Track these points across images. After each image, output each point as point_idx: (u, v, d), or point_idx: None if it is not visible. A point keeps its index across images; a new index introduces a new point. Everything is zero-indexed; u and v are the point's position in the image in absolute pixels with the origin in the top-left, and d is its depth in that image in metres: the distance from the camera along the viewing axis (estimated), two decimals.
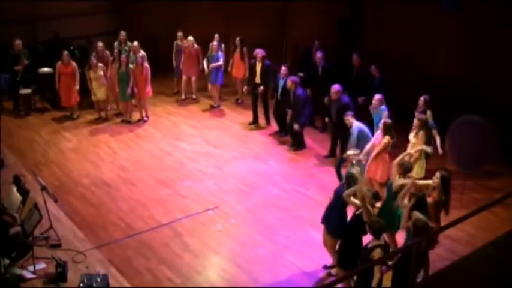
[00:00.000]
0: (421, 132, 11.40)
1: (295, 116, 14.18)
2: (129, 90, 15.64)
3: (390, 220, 9.55)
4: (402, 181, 9.50)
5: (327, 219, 9.60)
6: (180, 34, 17.47)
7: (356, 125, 12.30)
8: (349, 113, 12.44)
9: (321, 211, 11.56)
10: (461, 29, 14.77)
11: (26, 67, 16.48)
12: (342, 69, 15.06)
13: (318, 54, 15.23)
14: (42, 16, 17.96)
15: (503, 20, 13.98)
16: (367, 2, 17.29)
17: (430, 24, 15.45)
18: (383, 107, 12.47)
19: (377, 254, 7.98)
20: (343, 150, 13.74)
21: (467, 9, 14.18)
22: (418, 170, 11.34)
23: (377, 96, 12.58)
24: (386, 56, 15.48)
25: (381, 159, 11.40)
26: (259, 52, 15.66)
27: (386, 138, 11.28)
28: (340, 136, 13.67)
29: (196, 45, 17.17)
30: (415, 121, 11.56)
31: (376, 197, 8.90)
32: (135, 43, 16.38)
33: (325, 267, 9.87)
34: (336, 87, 13.40)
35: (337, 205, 9.37)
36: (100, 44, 16.44)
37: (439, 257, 9.52)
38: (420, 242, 7.77)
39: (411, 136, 11.57)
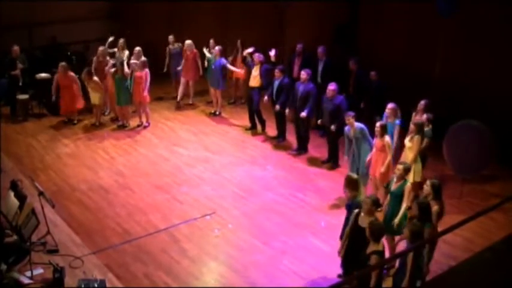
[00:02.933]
0: (416, 137, 11.41)
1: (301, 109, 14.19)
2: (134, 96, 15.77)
3: (390, 223, 9.58)
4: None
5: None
6: (171, 37, 17.62)
7: (357, 125, 12.10)
8: (351, 113, 12.17)
9: (318, 216, 11.70)
10: (458, 32, 14.80)
11: (23, 72, 16.49)
12: (340, 74, 15.11)
13: (320, 49, 15.46)
14: (39, 21, 17.98)
15: (500, 22, 14.01)
16: (364, 6, 17.33)
17: (427, 28, 15.48)
18: (397, 121, 12.23)
19: (374, 260, 7.99)
20: (334, 153, 13.81)
21: (464, 13, 14.20)
22: (414, 176, 11.35)
23: (390, 105, 12.33)
24: (383, 60, 15.54)
25: (382, 158, 11.40)
26: (258, 56, 15.70)
27: (387, 138, 11.30)
28: (333, 138, 13.77)
29: (194, 49, 17.21)
30: (411, 125, 11.60)
31: (376, 203, 8.86)
32: (137, 48, 16.40)
33: (339, 276, 9.71)
34: (332, 87, 13.39)
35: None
36: (101, 48, 16.46)
37: (436, 261, 9.51)
38: (416, 248, 7.77)
39: (406, 140, 11.59)
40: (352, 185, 9.32)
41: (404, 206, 9.65)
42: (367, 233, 8.21)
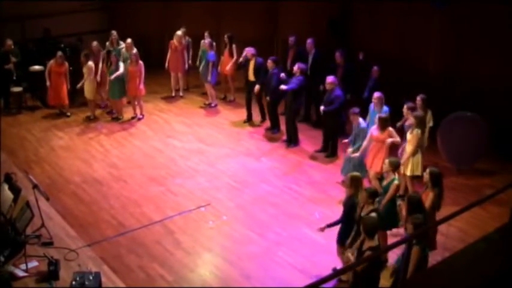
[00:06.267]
0: (416, 130, 11.37)
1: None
2: (127, 88, 15.74)
3: (387, 218, 9.61)
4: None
5: (341, 238, 9.40)
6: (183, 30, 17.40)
7: (362, 124, 12.08)
8: (356, 109, 12.10)
9: (312, 208, 11.71)
10: (451, 26, 14.81)
11: (16, 65, 16.42)
12: (331, 67, 15.07)
13: (309, 41, 15.50)
14: (32, 14, 17.88)
15: (493, 16, 14.02)
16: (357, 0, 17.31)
17: (420, 21, 15.48)
18: (385, 108, 12.29)
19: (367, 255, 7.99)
20: (334, 143, 13.82)
21: (457, 6, 14.22)
22: (414, 169, 11.37)
23: (376, 94, 12.36)
24: (377, 53, 15.52)
25: (380, 151, 11.40)
26: (248, 50, 15.68)
27: (387, 133, 11.29)
28: (328, 128, 13.87)
29: (183, 41, 17.17)
30: (411, 119, 11.51)
31: (372, 195, 8.85)
32: (128, 40, 16.34)
33: (335, 269, 9.70)
34: (330, 79, 13.45)
35: (347, 220, 9.29)
36: (95, 43, 16.38)
37: (431, 252, 9.52)
38: (412, 239, 7.78)
39: (408, 134, 11.53)
40: (354, 183, 9.29)
41: (386, 199, 9.70)
42: (361, 228, 8.20)
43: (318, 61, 15.34)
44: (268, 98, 14.86)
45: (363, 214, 8.80)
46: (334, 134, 13.88)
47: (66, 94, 16.01)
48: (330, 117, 13.60)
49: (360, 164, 11.83)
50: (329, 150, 14.04)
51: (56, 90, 15.91)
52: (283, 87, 13.99)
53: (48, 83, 15.89)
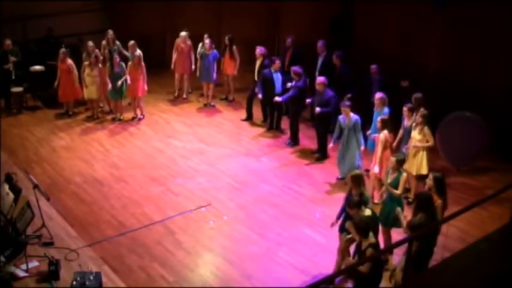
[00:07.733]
0: (426, 128, 11.40)
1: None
2: (128, 82, 15.66)
3: (388, 216, 9.65)
4: None
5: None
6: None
7: (353, 117, 12.12)
8: (347, 103, 12.14)
9: (313, 208, 11.72)
10: (452, 26, 14.80)
11: (16, 65, 16.42)
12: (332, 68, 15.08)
13: (320, 44, 15.45)
14: (33, 14, 17.90)
15: (493, 16, 14.01)
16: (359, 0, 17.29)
17: (421, 21, 15.47)
18: (386, 109, 12.28)
19: (369, 253, 8.00)
20: (323, 143, 13.81)
21: (458, 7, 14.21)
22: (422, 168, 11.41)
23: (378, 95, 12.36)
24: (378, 54, 15.52)
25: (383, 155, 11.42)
26: (259, 50, 15.75)
27: (383, 134, 11.30)
28: (321, 130, 13.86)
29: (189, 42, 17.14)
30: (418, 118, 11.51)
31: (358, 204, 8.85)
32: (131, 42, 16.27)
33: None
34: (320, 79, 13.49)
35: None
36: (90, 43, 16.35)
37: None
38: (412, 240, 7.79)
39: (415, 133, 11.54)
40: (357, 181, 9.30)
41: (398, 192, 9.71)
42: (355, 230, 8.20)
43: (328, 63, 15.24)
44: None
45: None
46: (324, 136, 13.87)
47: (72, 91, 16.03)
48: (323, 119, 13.59)
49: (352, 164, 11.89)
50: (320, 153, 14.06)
51: (63, 87, 15.97)
52: (278, 99, 14.31)
53: (56, 82, 15.96)
